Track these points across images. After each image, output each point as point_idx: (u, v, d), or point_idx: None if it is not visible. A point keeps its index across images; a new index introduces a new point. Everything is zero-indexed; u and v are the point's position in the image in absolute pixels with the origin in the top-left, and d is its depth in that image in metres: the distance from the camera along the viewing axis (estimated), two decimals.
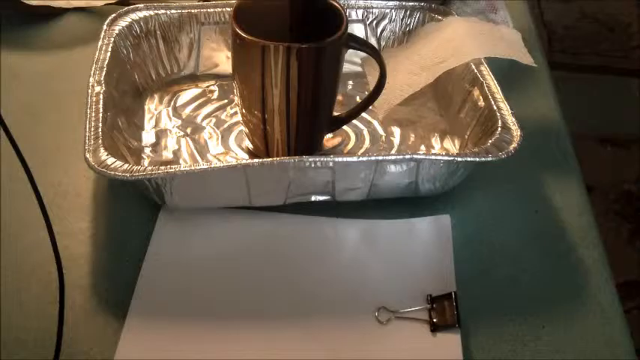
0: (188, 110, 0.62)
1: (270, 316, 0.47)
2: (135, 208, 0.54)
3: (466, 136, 0.57)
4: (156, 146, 0.58)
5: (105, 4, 0.74)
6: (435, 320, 0.47)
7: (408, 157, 0.50)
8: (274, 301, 0.48)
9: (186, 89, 0.64)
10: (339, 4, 0.52)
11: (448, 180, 0.53)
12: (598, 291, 0.50)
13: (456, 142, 0.59)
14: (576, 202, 0.56)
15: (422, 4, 0.67)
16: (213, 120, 0.61)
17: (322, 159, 0.49)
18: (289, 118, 0.52)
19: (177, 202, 0.51)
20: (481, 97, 0.57)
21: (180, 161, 0.57)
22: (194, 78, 0.65)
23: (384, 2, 0.67)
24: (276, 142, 0.55)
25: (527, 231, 0.54)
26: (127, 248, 0.51)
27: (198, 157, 0.57)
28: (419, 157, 0.50)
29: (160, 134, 0.59)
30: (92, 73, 0.55)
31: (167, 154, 0.57)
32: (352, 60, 0.64)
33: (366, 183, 0.51)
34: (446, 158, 0.50)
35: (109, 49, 0.58)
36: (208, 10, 0.64)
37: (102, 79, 0.55)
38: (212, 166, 0.49)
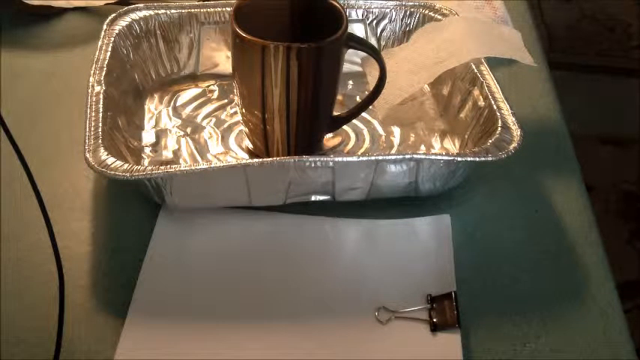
0: (188, 110, 0.62)
1: (270, 316, 0.47)
2: (135, 208, 0.54)
3: (466, 136, 0.57)
4: (156, 146, 0.58)
5: (105, 4, 0.74)
6: (435, 320, 0.47)
7: (408, 156, 0.50)
8: (274, 301, 0.48)
9: (186, 89, 0.64)
10: (339, 4, 0.52)
11: (448, 180, 0.53)
12: (598, 291, 0.50)
13: (456, 142, 0.59)
14: (576, 202, 0.56)
15: (422, 3, 0.67)
16: (213, 120, 0.61)
17: (322, 159, 0.49)
18: (289, 118, 0.52)
19: (177, 202, 0.51)
20: (481, 97, 0.57)
21: (180, 161, 0.57)
22: (194, 78, 0.65)
23: (384, 2, 0.67)
24: (276, 141, 0.55)
25: (527, 231, 0.54)
26: (127, 248, 0.51)
27: (198, 157, 0.57)
28: (419, 156, 0.50)
29: (160, 134, 0.59)
30: (92, 73, 0.55)
31: (167, 154, 0.57)
32: (352, 60, 0.64)
33: (366, 183, 0.51)
34: (446, 158, 0.50)
35: (109, 49, 0.58)
36: (208, 9, 0.64)
37: (102, 79, 0.55)
38: (212, 165, 0.49)
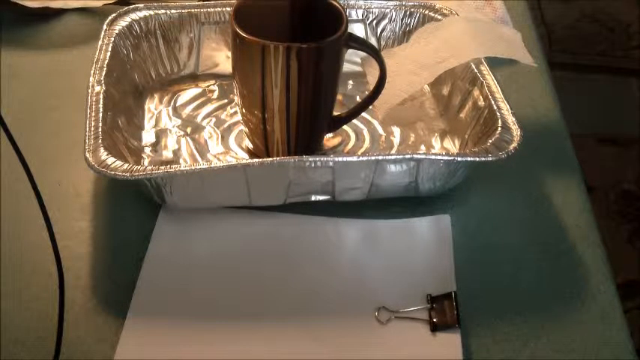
0: (188, 110, 0.62)
1: (270, 316, 0.47)
2: (135, 208, 0.54)
3: (466, 136, 0.57)
4: (156, 146, 0.58)
5: (104, 5, 0.74)
6: (435, 320, 0.47)
7: (408, 156, 0.50)
8: (274, 301, 0.48)
9: (186, 89, 0.64)
10: (339, 4, 0.53)
11: (448, 180, 0.53)
12: (598, 291, 0.50)
13: (456, 142, 0.59)
14: (576, 202, 0.56)
15: (422, 3, 0.67)
16: (213, 120, 0.61)
17: (322, 159, 0.49)
18: (289, 118, 0.52)
19: (178, 202, 0.51)
20: (481, 97, 0.57)
21: (181, 161, 0.57)
22: (194, 78, 0.65)
23: (384, 2, 0.67)
24: (276, 141, 0.55)
25: (527, 231, 0.54)
26: (126, 248, 0.51)
27: (198, 157, 0.57)
28: (419, 156, 0.50)
29: (160, 134, 0.59)
30: (92, 72, 0.55)
31: (167, 154, 0.57)
32: (352, 60, 0.64)
33: (366, 183, 0.51)
34: (446, 158, 0.50)
35: (109, 49, 0.58)
36: (208, 9, 0.64)
37: (102, 78, 0.55)
38: (212, 165, 0.49)
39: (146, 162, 0.56)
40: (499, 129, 0.53)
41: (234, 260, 0.50)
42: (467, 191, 0.56)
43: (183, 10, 0.64)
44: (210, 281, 0.49)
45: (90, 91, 0.54)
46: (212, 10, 0.64)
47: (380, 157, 0.50)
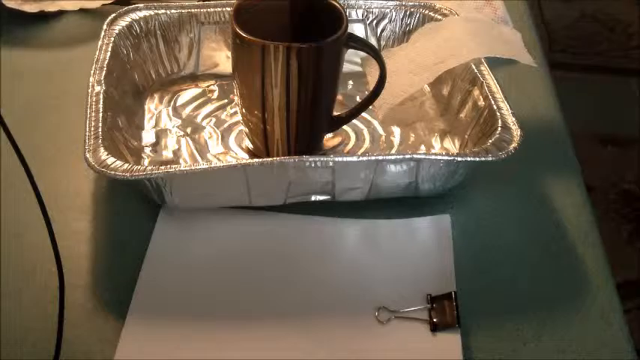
0: (188, 110, 0.62)
1: (270, 316, 0.47)
2: (135, 208, 0.54)
3: (466, 136, 0.57)
4: (156, 146, 0.58)
5: (102, 5, 0.74)
6: (435, 320, 0.47)
7: (408, 156, 0.50)
8: (274, 301, 0.48)
9: (186, 89, 0.64)
10: (339, 4, 0.52)
11: (448, 180, 0.53)
12: (598, 291, 0.50)
13: (456, 142, 0.59)
14: (576, 202, 0.56)
15: (422, 3, 0.67)
16: (213, 120, 0.61)
17: (322, 159, 0.49)
18: (289, 118, 0.52)
19: (177, 202, 0.51)
20: (481, 97, 0.57)
21: (180, 161, 0.57)
22: (194, 78, 0.65)
23: (384, 2, 0.67)
24: (276, 141, 0.55)
25: (527, 231, 0.54)
26: (127, 248, 0.51)
27: (198, 157, 0.57)
28: (419, 156, 0.50)
29: (160, 134, 0.59)
30: (92, 73, 0.55)
31: (167, 154, 0.57)
32: (352, 60, 0.64)
33: (366, 183, 0.51)
34: (446, 158, 0.50)
35: (109, 49, 0.58)
36: (208, 9, 0.64)
37: (102, 79, 0.55)
38: (212, 165, 0.49)
39: (146, 162, 0.56)
40: (499, 129, 0.53)
41: (234, 260, 0.50)
42: (467, 191, 0.56)
43: (183, 10, 0.64)
44: (210, 281, 0.49)
45: (90, 91, 0.54)
46: (212, 10, 0.64)
47: (380, 157, 0.50)
